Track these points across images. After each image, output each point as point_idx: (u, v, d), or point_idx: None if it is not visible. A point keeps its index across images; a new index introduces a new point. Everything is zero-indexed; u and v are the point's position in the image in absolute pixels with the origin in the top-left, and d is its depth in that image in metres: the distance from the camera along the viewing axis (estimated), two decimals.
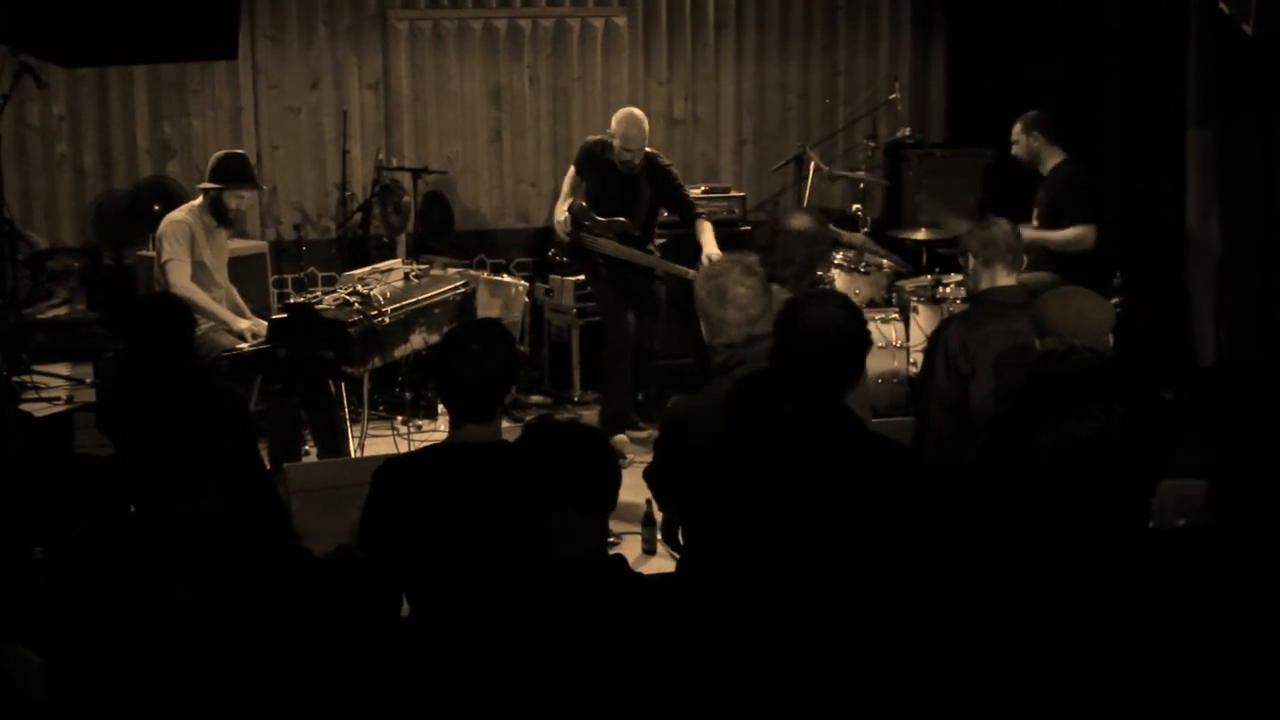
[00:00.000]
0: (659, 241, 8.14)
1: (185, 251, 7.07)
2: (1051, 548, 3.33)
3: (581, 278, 8.48)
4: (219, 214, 7.18)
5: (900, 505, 3.57)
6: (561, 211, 7.94)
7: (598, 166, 7.91)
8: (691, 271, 7.58)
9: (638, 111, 7.85)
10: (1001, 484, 3.90)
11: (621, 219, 7.80)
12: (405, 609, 3.89)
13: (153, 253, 8.41)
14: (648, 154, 7.83)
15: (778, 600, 3.45)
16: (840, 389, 3.67)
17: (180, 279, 7.00)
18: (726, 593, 3.48)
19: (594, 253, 7.86)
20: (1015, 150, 7.96)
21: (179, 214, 7.24)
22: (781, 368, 3.70)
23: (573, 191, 8.05)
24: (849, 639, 3.45)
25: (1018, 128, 7.93)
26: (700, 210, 8.07)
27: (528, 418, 8.19)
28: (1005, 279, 5.32)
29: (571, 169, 8.11)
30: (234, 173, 7.18)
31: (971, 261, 5.37)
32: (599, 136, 8.00)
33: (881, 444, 3.72)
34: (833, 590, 3.47)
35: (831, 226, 5.27)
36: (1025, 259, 5.48)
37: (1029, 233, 7.41)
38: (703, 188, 9.46)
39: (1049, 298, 4.51)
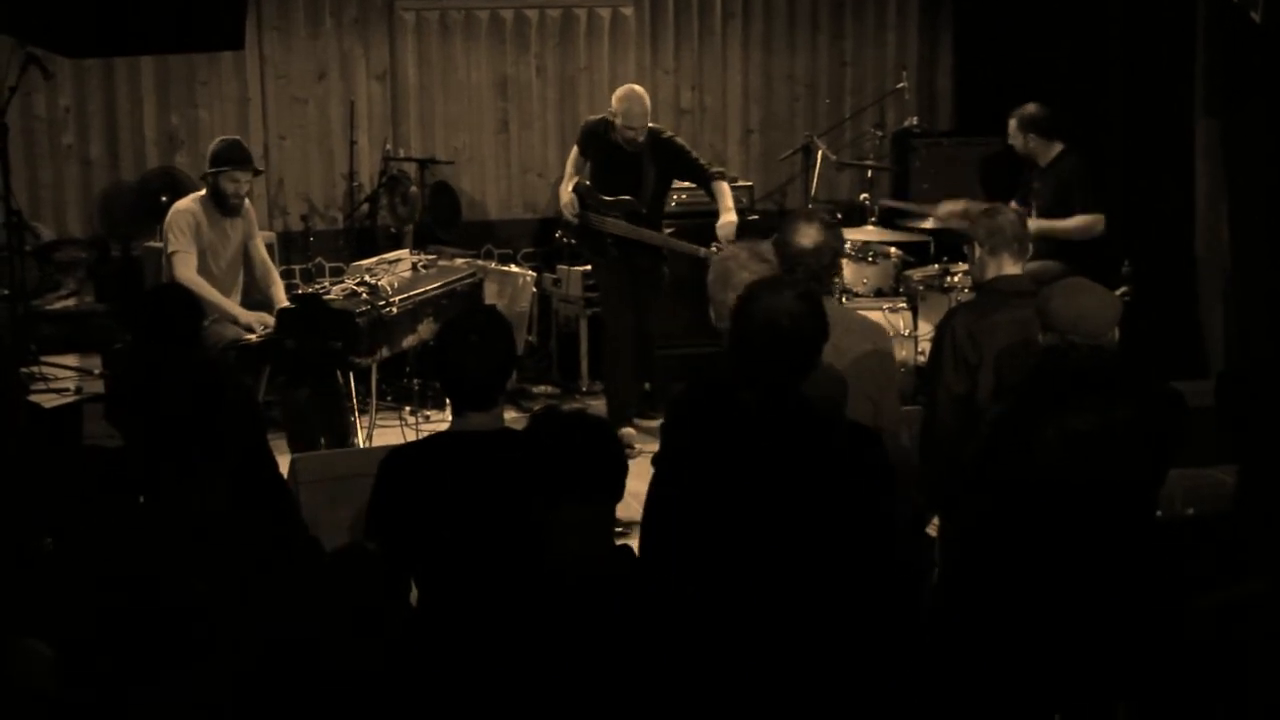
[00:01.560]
0: (668, 230, 8.12)
1: (190, 242, 7.08)
2: (1053, 542, 3.33)
3: (589, 267, 8.46)
4: (219, 200, 7.19)
5: (861, 489, 3.58)
6: (566, 193, 7.90)
7: (601, 146, 7.85)
8: (703, 250, 7.56)
9: (638, 88, 7.80)
10: (1003, 479, 3.90)
11: (629, 197, 7.75)
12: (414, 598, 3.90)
13: (160, 244, 8.44)
14: (650, 129, 7.76)
15: (738, 587, 3.45)
16: (795, 378, 3.67)
17: (185, 272, 7.01)
18: (688, 581, 3.48)
19: (602, 233, 7.82)
20: (1012, 143, 7.95)
21: (185, 203, 7.26)
22: (736, 356, 3.70)
23: (576, 172, 8.00)
24: (814, 623, 3.45)
25: (1012, 125, 7.90)
26: (716, 171, 7.99)
27: (535, 408, 8.20)
28: (1011, 268, 5.30)
29: (574, 149, 8.06)
30: (228, 156, 7.19)
31: (977, 250, 5.36)
32: (601, 115, 7.97)
33: (841, 429, 3.73)
34: (791, 576, 3.47)
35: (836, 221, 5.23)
36: (1031, 248, 5.47)
37: (1037, 223, 7.39)
38: (713, 167, 9.43)
39: (1055, 291, 4.47)
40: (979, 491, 4.11)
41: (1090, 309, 4.33)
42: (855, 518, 3.54)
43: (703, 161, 7.96)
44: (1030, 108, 7.88)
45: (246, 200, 7.41)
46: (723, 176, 7.95)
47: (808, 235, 4.84)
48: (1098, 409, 3.39)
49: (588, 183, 7.87)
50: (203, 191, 7.30)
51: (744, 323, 3.66)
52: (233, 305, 7.16)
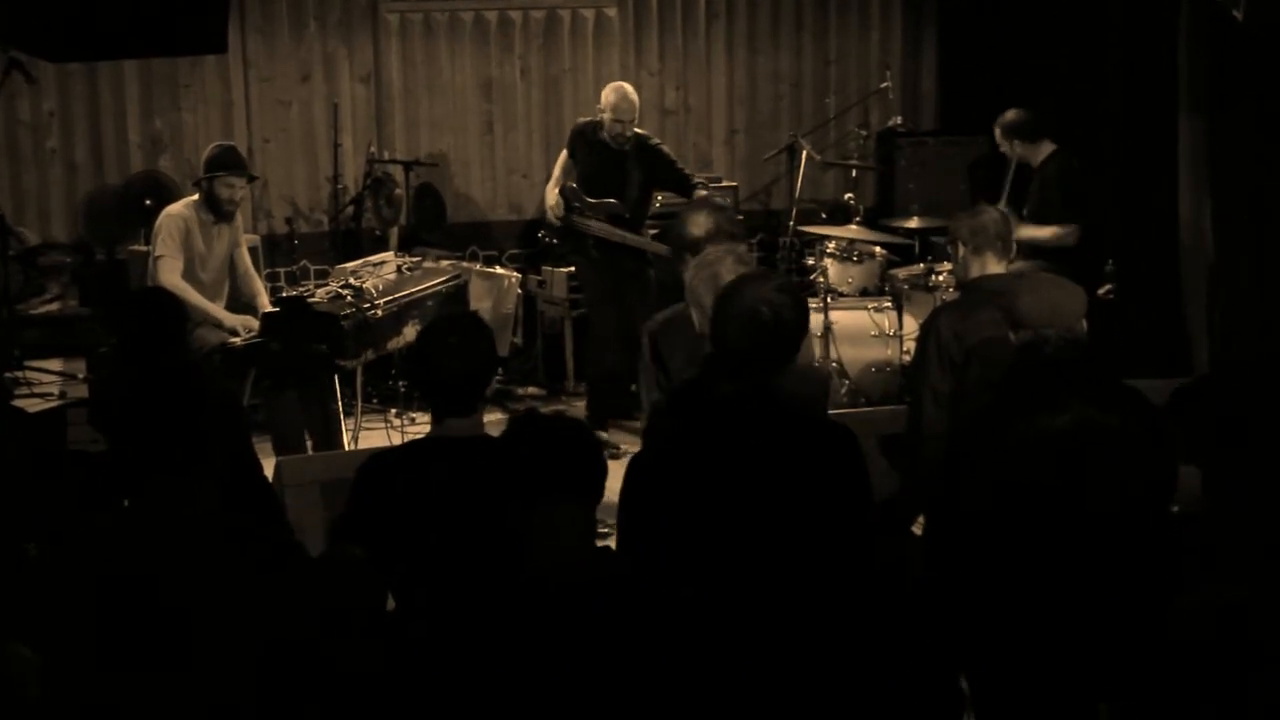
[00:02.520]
0: (651, 232, 8.13)
1: (177, 248, 7.05)
2: (1033, 541, 3.31)
3: (574, 269, 8.46)
4: (213, 206, 7.16)
5: (834, 481, 3.60)
6: (553, 194, 7.93)
7: (589, 148, 7.87)
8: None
9: (626, 85, 7.85)
10: (982, 478, 3.90)
11: (612, 200, 7.77)
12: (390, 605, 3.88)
13: (146, 247, 8.41)
14: (637, 135, 7.78)
15: (715, 578, 3.46)
16: (774, 370, 3.68)
17: (170, 277, 6.98)
18: (665, 573, 3.49)
19: (585, 235, 7.83)
20: (1002, 151, 7.94)
21: (176, 208, 7.22)
22: (716, 348, 3.71)
23: (565, 174, 8.02)
24: (793, 619, 3.46)
25: (998, 133, 7.88)
26: (699, 182, 8.01)
27: (520, 409, 8.19)
28: (995, 267, 5.31)
29: (564, 153, 8.09)
30: (224, 161, 7.16)
31: (961, 250, 5.36)
32: (589, 118, 7.99)
33: (816, 425, 3.74)
34: (769, 571, 3.48)
35: (731, 215, 5.32)
36: (1015, 247, 5.48)
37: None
38: (695, 178, 9.44)
39: (1021, 289, 4.51)
40: (959, 489, 4.12)
41: (1060, 301, 4.37)
42: (831, 513, 3.55)
43: (687, 171, 7.99)
44: (1009, 114, 7.85)
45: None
46: (705, 187, 7.99)
47: (697, 224, 4.90)
48: (1073, 408, 3.39)
49: (574, 185, 7.88)
50: (195, 196, 7.25)
51: (725, 313, 3.67)
52: (218, 310, 7.15)
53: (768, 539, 3.51)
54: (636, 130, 7.78)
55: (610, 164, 7.79)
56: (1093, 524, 3.25)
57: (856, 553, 3.61)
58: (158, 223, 7.15)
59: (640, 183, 7.87)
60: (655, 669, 3.03)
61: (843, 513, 3.60)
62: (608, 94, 7.75)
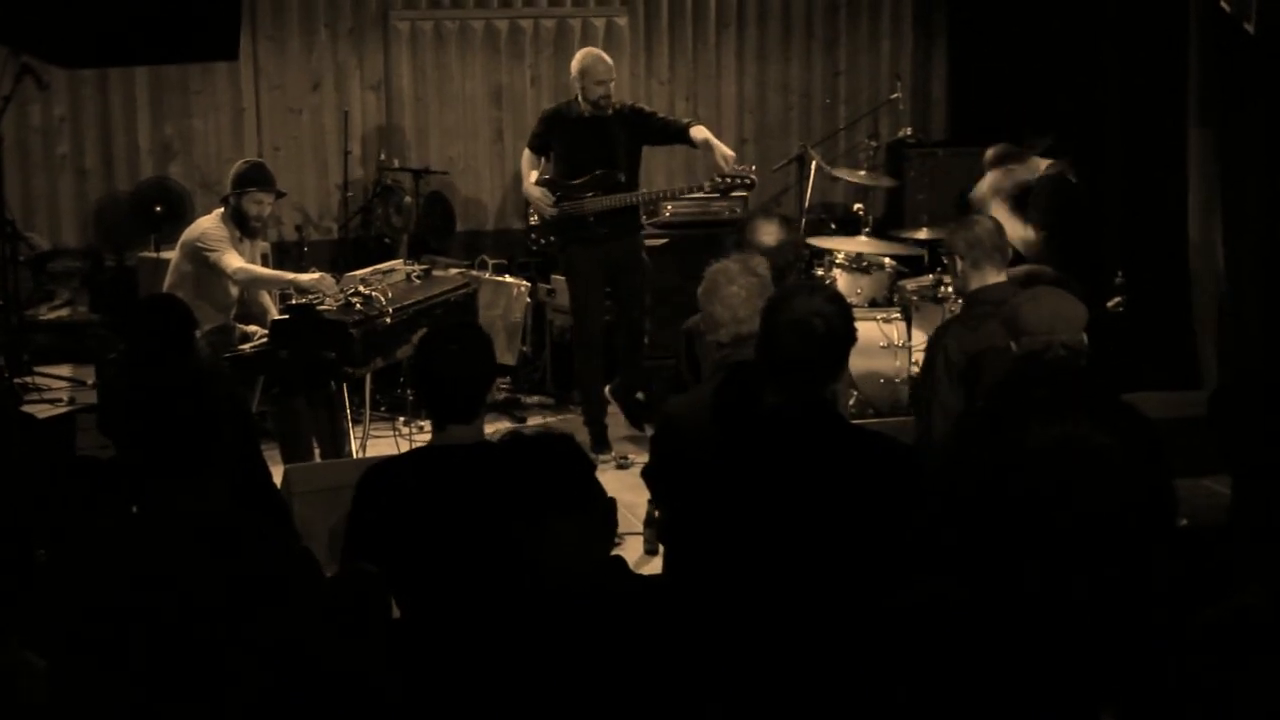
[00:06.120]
0: (662, 242, 8.04)
1: (230, 245, 6.99)
2: (1030, 551, 3.30)
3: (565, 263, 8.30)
4: (241, 222, 7.11)
5: (887, 498, 3.57)
6: (533, 188, 7.69)
7: (565, 128, 7.63)
8: (706, 184, 7.50)
9: (593, 49, 7.68)
10: (972, 487, 3.88)
11: (600, 171, 7.52)
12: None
13: (155, 253, 8.43)
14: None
15: (765, 594, 3.44)
16: (822, 383, 3.66)
17: (237, 262, 6.91)
18: (714, 589, 3.46)
19: (584, 217, 7.59)
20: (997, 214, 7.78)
21: (209, 221, 7.14)
22: (764, 359, 3.69)
23: (533, 170, 7.80)
24: (837, 631, 3.44)
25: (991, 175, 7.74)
26: (687, 121, 7.76)
27: (529, 419, 8.19)
28: (995, 276, 5.31)
29: (526, 151, 7.86)
30: (252, 177, 7.12)
31: (959, 263, 5.36)
32: (554, 104, 7.84)
33: (866, 437, 3.72)
34: (819, 584, 3.46)
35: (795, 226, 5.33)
36: (1010, 253, 5.46)
37: None
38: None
39: (1022, 300, 4.52)
40: (953, 500, 4.11)
41: (1063, 309, 4.38)
42: (889, 526, 3.52)
43: (670, 117, 7.81)
44: (988, 152, 7.67)
45: None
46: (697, 121, 7.78)
47: (769, 233, 4.89)
48: (1065, 422, 3.38)
49: (548, 177, 7.70)
50: (220, 210, 7.19)
51: (775, 324, 3.63)
52: (294, 275, 7.16)
53: (824, 553, 3.47)
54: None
55: (593, 134, 7.52)
56: (1082, 537, 3.24)
57: (909, 569, 3.57)
58: (198, 236, 7.00)
59: (627, 143, 7.63)
60: (662, 678, 3.03)
61: (900, 527, 3.56)
62: (578, 61, 7.49)
